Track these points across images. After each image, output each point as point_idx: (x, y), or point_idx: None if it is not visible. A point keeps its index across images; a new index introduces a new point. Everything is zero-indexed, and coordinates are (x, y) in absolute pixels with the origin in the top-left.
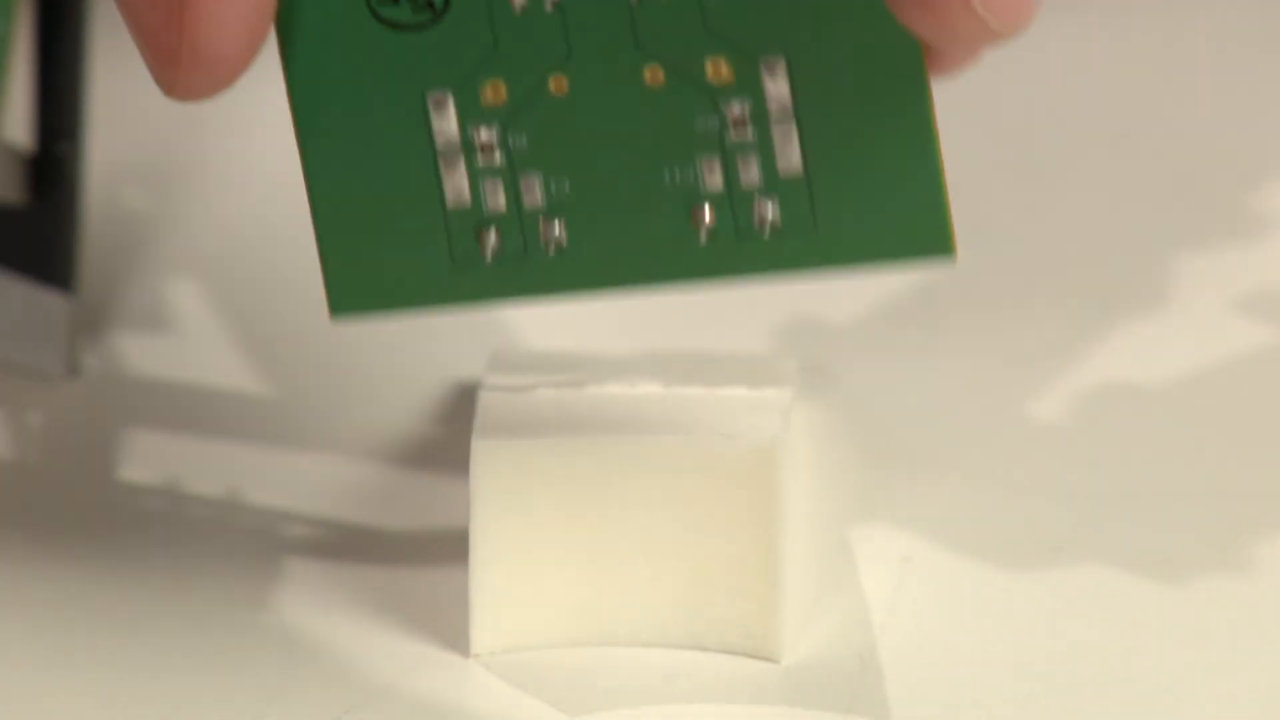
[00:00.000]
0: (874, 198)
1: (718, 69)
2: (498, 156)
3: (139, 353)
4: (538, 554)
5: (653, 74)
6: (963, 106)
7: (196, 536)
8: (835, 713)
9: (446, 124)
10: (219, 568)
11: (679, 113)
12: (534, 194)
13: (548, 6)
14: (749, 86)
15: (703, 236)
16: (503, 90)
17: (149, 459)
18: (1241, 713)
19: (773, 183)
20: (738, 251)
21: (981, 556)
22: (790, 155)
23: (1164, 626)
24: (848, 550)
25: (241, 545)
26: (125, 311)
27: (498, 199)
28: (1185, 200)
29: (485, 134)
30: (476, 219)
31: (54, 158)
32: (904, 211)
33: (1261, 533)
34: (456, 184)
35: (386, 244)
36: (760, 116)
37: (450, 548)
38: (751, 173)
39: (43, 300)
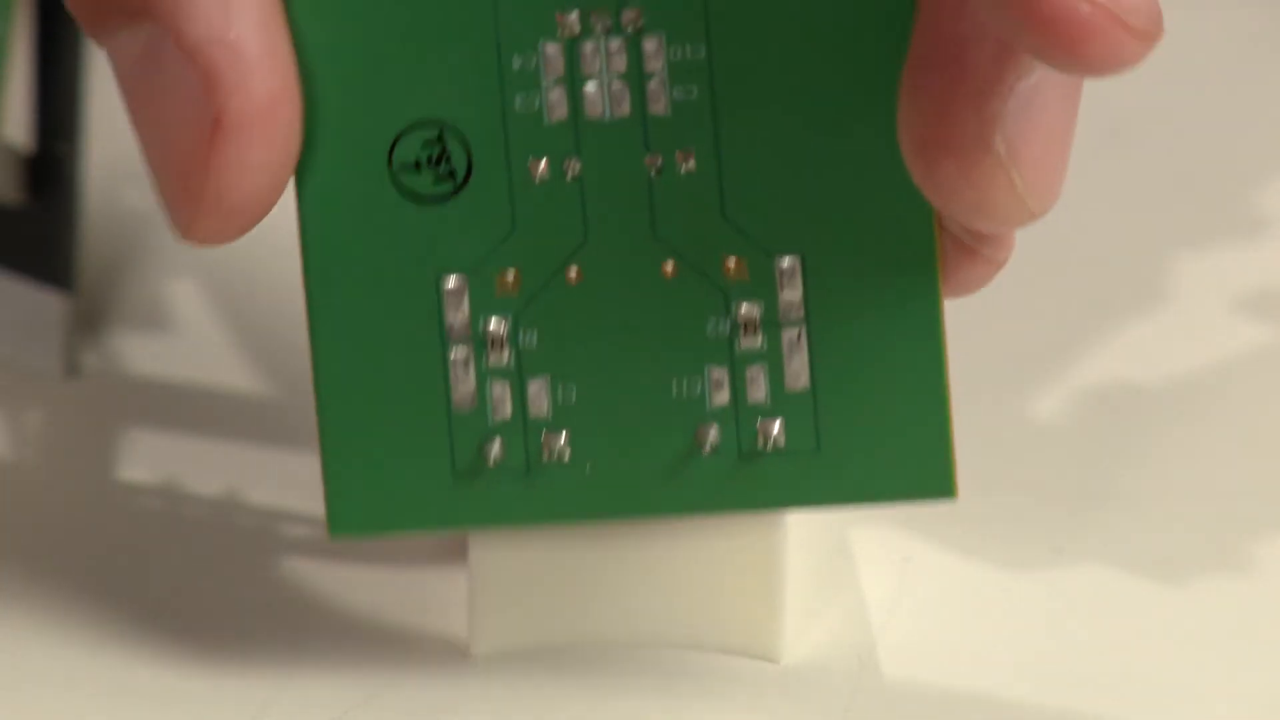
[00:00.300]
0: (880, 430)
1: (733, 265)
2: (506, 355)
3: (138, 352)
4: (536, 553)
5: (668, 266)
6: None
7: (195, 536)
8: (835, 713)
9: (459, 313)
10: (217, 567)
11: (691, 311)
12: (540, 402)
13: (568, 178)
14: (762, 287)
15: (706, 457)
16: (518, 278)
17: (148, 458)
18: (1242, 713)
19: (779, 400)
20: (739, 479)
21: (981, 556)
22: (798, 370)
23: (1164, 627)
24: (847, 550)
25: (240, 545)
26: (124, 311)
27: (504, 406)
28: (1185, 200)
29: (496, 325)
30: (481, 428)
31: (53, 157)
32: (909, 451)
33: (1261, 533)
34: (464, 387)
35: (390, 455)
36: (771, 323)
37: (449, 547)
38: (758, 388)
39: (41, 300)
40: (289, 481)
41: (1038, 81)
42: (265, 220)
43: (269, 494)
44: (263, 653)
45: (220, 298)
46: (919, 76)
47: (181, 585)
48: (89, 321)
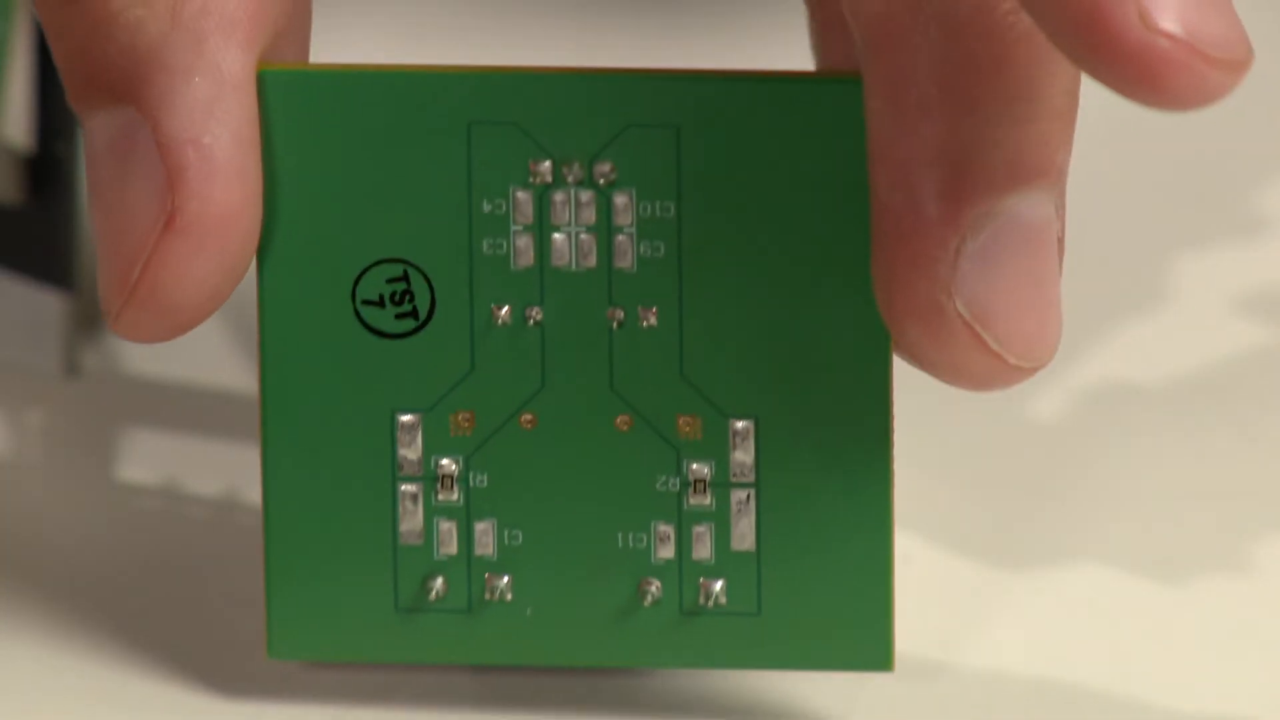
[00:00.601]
0: (822, 598)
1: (687, 424)
2: (456, 494)
3: (138, 352)
4: None
5: (622, 420)
6: None
7: (195, 536)
8: (836, 713)
9: (412, 449)
10: (217, 567)
11: (642, 466)
12: (486, 543)
13: (529, 323)
14: (715, 447)
15: (647, 610)
16: (473, 419)
17: (148, 458)
18: (1241, 713)
19: (723, 559)
20: (678, 635)
21: (981, 556)
22: (745, 532)
23: (1164, 626)
24: None
25: (240, 545)
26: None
27: (450, 544)
28: (1185, 200)
29: (448, 465)
30: (426, 564)
31: (53, 157)
32: (850, 622)
33: (1261, 533)
34: (411, 521)
35: (334, 583)
36: (721, 483)
37: None
38: (704, 545)
39: (41, 299)
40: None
41: (992, 235)
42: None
43: None
44: (262, 653)
45: None
46: (874, 245)
47: (181, 585)
48: (89, 321)
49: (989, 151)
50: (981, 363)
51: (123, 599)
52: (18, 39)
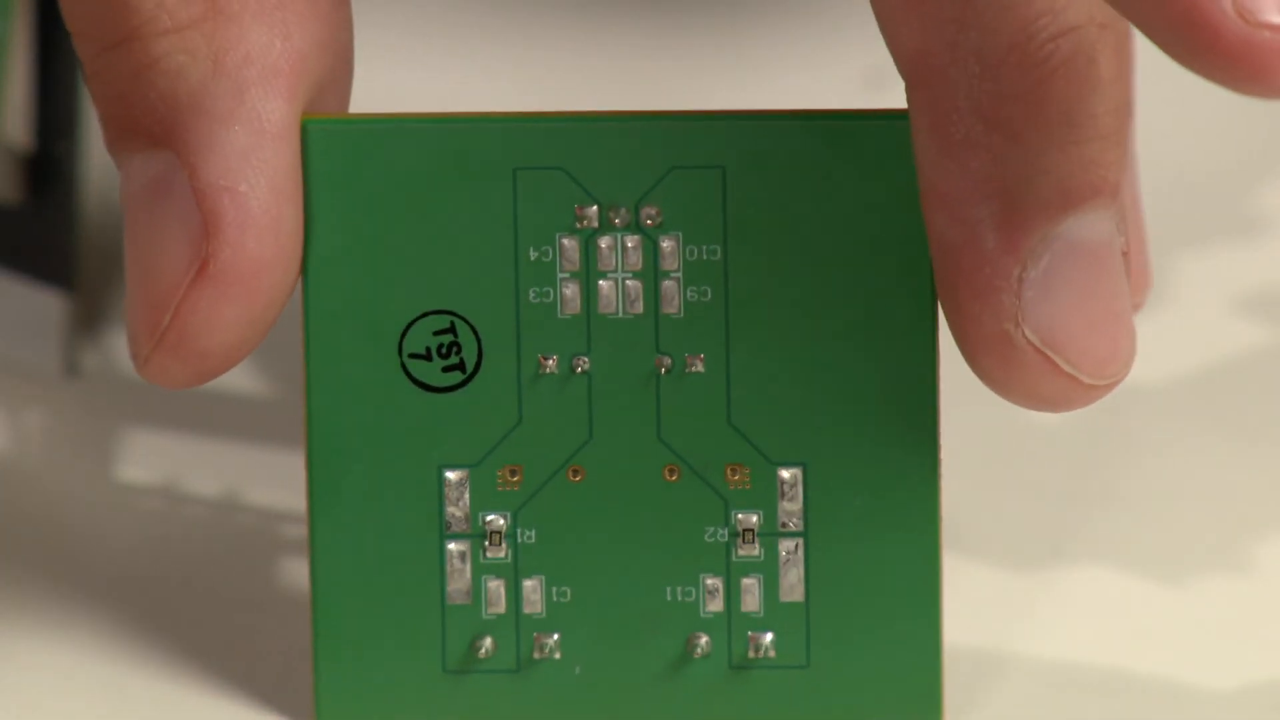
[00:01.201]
0: (871, 651)
1: (735, 474)
2: (504, 550)
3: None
4: None
5: (670, 470)
6: None
7: (195, 536)
8: None
9: (459, 506)
10: (217, 567)
11: (691, 517)
12: (534, 600)
13: (577, 373)
14: (763, 496)
15: (695, 665)
16: (521, 474)
17: (147, 458)
18: (1241, 713)
19: (773, 611)
20: (727, 691)
21: (981, 556)
22: (794, 583)
23: (1164, 626)
24: None
25: (240, 545)
26: (124, 311)
27: (499, 603)
28: (1185, 200)
29: (495, 521)
30: (474, 623)
31: (52, 156)
32: (899, 676)
33: (1260, 533)
34: (459, 580)
35: (381, 645)
36: (770, 533)
37: None
38: (753, 598)
39: (41, 299)
40: (289, 481)
41: (1052, 260)
42: None
43: (269, 493)
44: (262, 652)
45: None
46: (938, 281)
47: (181, 585)
48: (89, 321)
49: (1039, 179)
50: (1056, 386)
51: (122, 598)
52: (18, 39)
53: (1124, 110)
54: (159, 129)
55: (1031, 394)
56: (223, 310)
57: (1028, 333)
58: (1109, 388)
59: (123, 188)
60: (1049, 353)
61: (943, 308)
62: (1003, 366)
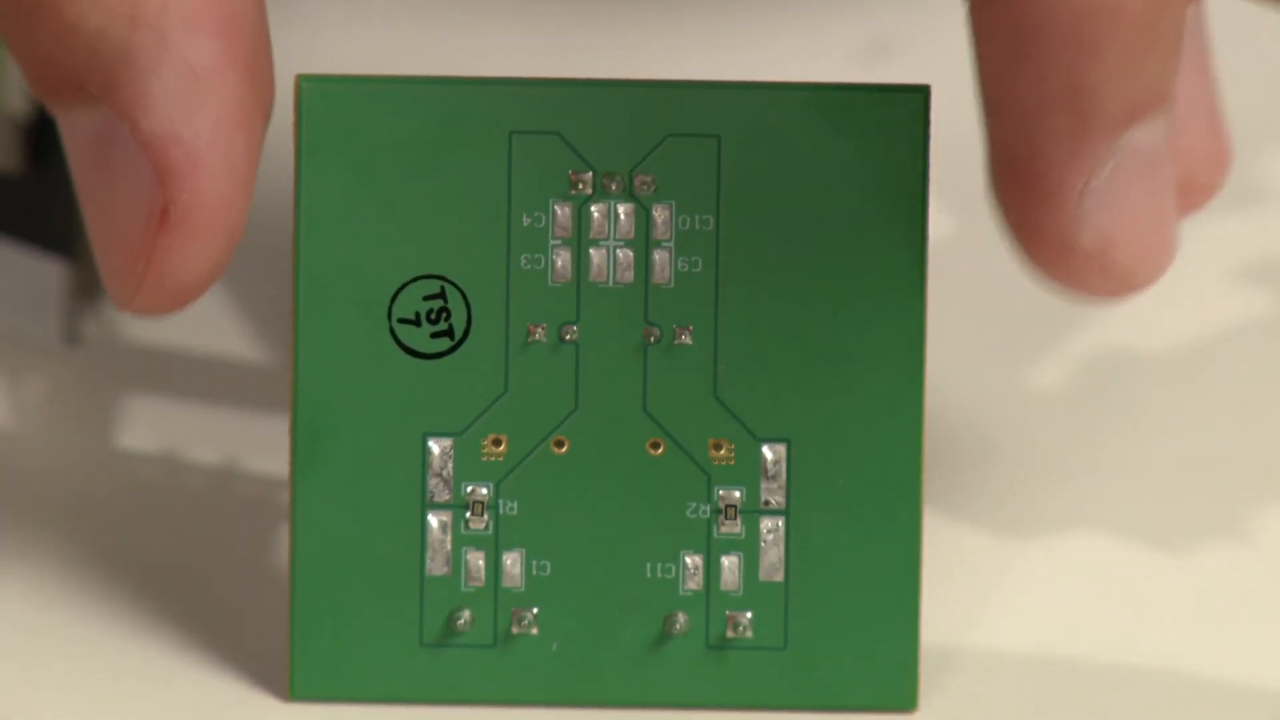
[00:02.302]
0: (848, 636)
1: (720, 448)
2: (486, 522)
3: (138, 321)
4: None
5: (655, 444)
6: (966, 77)
7: (195, 505)
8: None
9: (442, 478)
10: (217, 537)
11: (674, 493)
12: (514, 574)
13: (565, 340)
14: (747, 473)
15: (673, 643)
16: (505, 444)
17: (148, 427)
18: (1244, 682)
19: (752, 591)
20: (704, 671)
21: (980, 525)
22: (775, 562)
23: (1165, 597)
24: None
25: (240, 514)
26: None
27: (478, 575)
28: None
29: (478, 492)
30: (453, 596)
31: (53, 125)
32: (875, 663)
33: (1263, 502)
34: (440, 552)
35: (358, 620)
36: (752, 511)
37: None
38: (733, 576)
39: (42, 268)
40: (287, 450)
41: (1114, 169)
42: (263, 188)
43: (269, 462)
44: (263, 621)
45: None
46: (996, 182)
47: (181, 554)
48: (89, 290)
49: (1109, 90)
50: (1109, 284)
51: (122, 568)
52: None
53: (1182, 23)
54: (92, 85)
55: (1084, 291)
56: (193, 249)
57: (1087, 239)
58: (1150, 284)
59: (66, 142)
60: (1107, 254)
61: (1003, 215)
62: (1060, 270)
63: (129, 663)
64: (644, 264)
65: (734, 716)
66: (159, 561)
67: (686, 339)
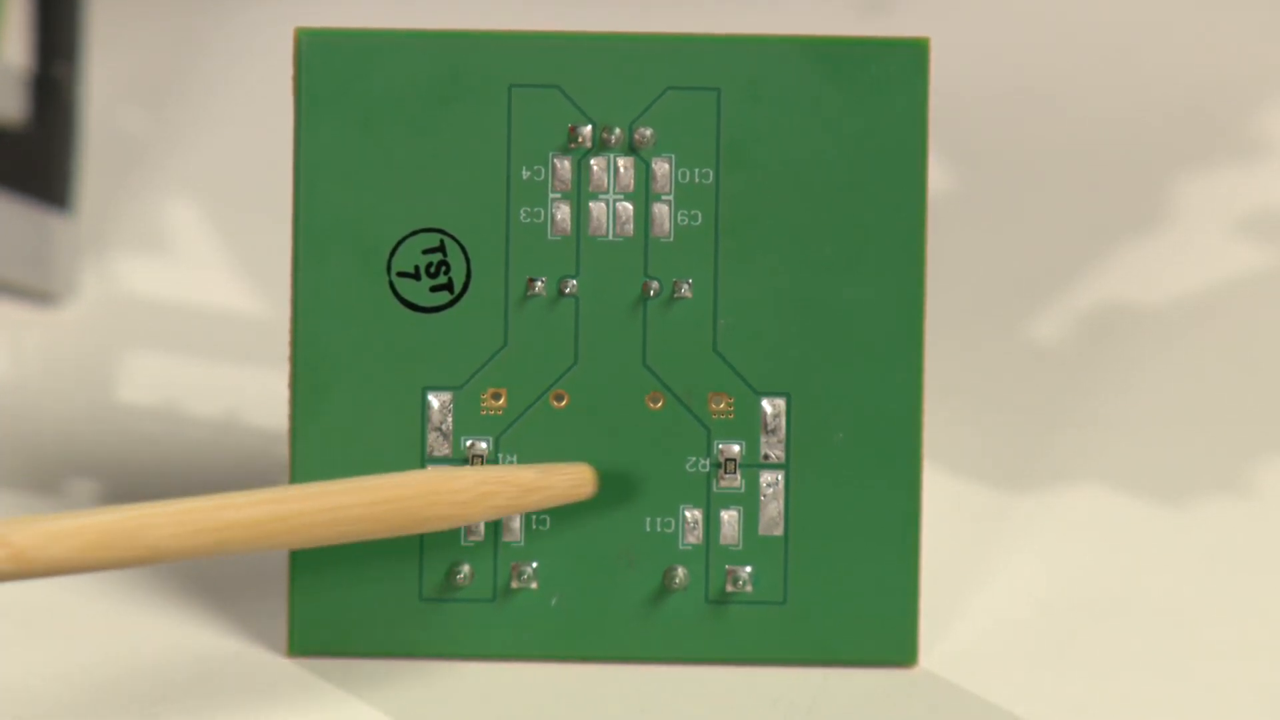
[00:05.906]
0: (848, 590)
1: (719, 403)
2: None
3: (137, 274)
4: None
5: (654, 398)
6: (965, 30)
7: (195, 458)
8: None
9: (442, 431)
10: (216, 488)
11: (673, 447)
12: (513, 528)
13: (564, 294)
14: (747, 427)
15: (672, 598)
16: (505, 398)
17: (147, 380)
18: (1245, 634)
19: (751, 545)
20: (704, 626)
21: (981, 479)
22: (774, 516)
23: (1166, 549)
24: None
25: (240, 467)
26: (124, 232)
27: (478, 529)
28: (1186, 122)
29: (478, 446)
30: (454, 550)
31: (52, 78)
32: (875, 617)
33: (1263, 454)
34: None
35: (358, 573)
36: (752, 465)
37: None
38: (732, 530)
39: (41, 221)
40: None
41: None
42: (262, 142)
43: (269, 416)
44: (262, 577)
45: (220, 219)
46: None
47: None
48: (88, 243)
49: None
50: None
51: None
52: None
53: None
54: None
55: None
56: None
57: None
58: None
59: None
60: None
61: None
62: None
63: (127, 619)
64: (644, 217)
65: (734, 671)
66: None
67: (686, 293)
